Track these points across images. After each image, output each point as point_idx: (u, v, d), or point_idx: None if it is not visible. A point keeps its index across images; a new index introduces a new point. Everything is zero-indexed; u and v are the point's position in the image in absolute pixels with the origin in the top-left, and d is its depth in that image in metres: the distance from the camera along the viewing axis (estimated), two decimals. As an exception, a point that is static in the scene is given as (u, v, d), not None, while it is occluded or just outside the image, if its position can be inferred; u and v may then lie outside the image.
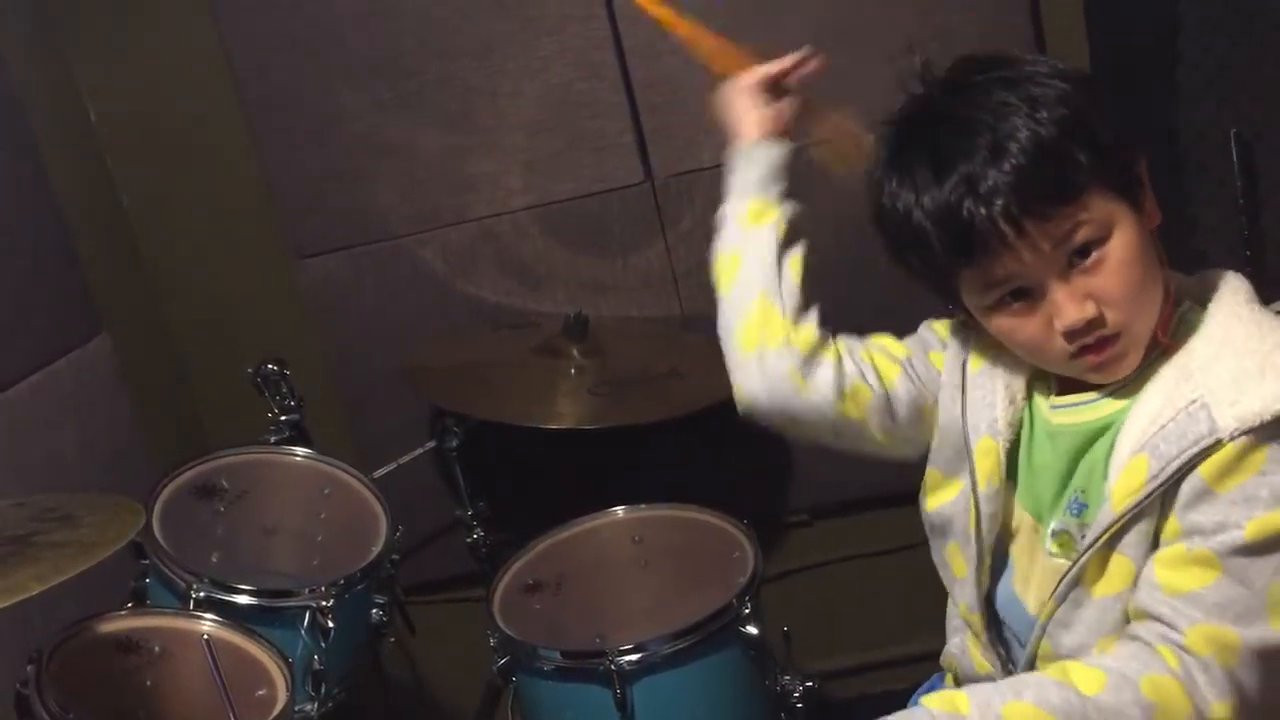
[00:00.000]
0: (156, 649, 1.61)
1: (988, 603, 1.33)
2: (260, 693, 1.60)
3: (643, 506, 2.02)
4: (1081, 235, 1.14)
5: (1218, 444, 1.09)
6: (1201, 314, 1.19)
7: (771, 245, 1.35)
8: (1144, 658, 1.11)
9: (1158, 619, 1.12)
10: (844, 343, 1.37)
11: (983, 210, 1.12)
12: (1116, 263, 1.14)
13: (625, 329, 2.20)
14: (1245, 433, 1.08)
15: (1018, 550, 1.30)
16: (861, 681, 2.38)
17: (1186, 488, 1.11)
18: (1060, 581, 1.21)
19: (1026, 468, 1.29)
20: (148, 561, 1.76)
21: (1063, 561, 1.23)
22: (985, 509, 1.30)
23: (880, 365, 1.36)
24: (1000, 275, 1.16)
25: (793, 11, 2.08)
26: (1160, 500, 1.13)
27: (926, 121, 1.19)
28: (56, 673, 1.47)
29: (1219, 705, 1.09)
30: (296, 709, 1.67)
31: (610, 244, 2.22)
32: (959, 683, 1.41)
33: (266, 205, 2.26)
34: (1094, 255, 1.14)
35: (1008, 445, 1.28)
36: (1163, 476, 1.12)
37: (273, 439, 2.03)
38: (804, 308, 1.35)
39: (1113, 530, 1.15)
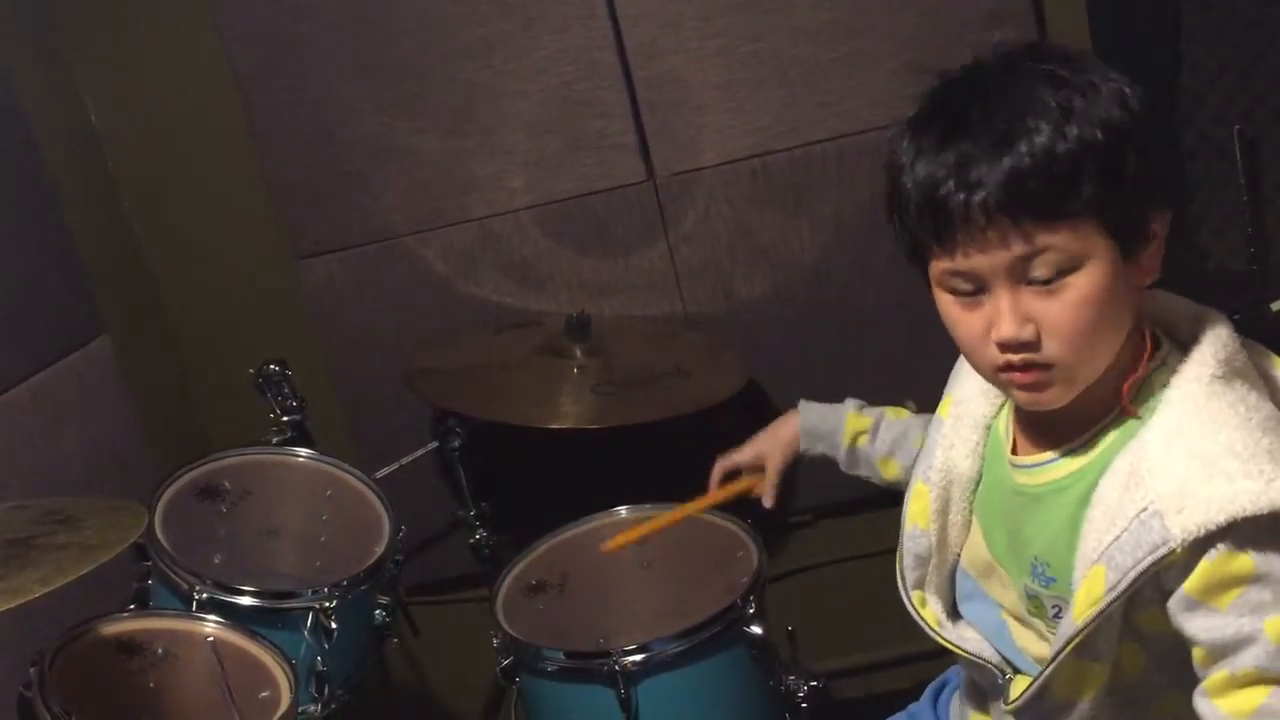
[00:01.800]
0: (160, 651, 1.61)
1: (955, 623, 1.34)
2: (263, 694, 1.59)
3: (646, 506, 2.01)
4: (1048, 260, 1.09)
5: (1172, 553, 1.06)
6: (1167, 383, 1.14)
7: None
8: None
9: None
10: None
11: (962, 195, 1.09)
12: (1075, 298, 1.10)
13: (628, 328, 2.19)
14: (1202, 541, 1.05)
15: (991, 588, 1.30)
16: (867, 681, 2.37)
17: (1178, 607, 1.09)
18: (1027, 689, 1.21)
19: (990, 517, 1.29)
20: (150, 563, 1.76)
21: (1038, 621, 1.23)
22: (909, 547, 1.33)
23: None
24: (958, 264, 1.13)
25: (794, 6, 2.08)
26: (1124, 605, 1.12)
27: (963, 89, 1.15)
28: (59, 675, 1.47)
29: None
30: (300, 710, 1.67)
31: (612, 243, 2.21)
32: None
33: (268, 206, 2.26)
34: (1055, 282, 1.10)
35: (940, 493, 1.30)
36: (1121, 587, 1.09)
37: (275, 440, 2.03)
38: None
39: (1078, 640, 1.14)
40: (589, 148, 2.17)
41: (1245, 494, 1.04)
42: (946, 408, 1.34)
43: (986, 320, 1.13)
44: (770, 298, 2.21)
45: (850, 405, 1.70)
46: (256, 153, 2.23)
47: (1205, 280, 2.13)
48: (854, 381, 2.21)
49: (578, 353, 2.03)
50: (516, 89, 2.15)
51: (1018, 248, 1.09)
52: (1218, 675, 1.08)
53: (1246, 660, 1.06)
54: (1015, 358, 1.13)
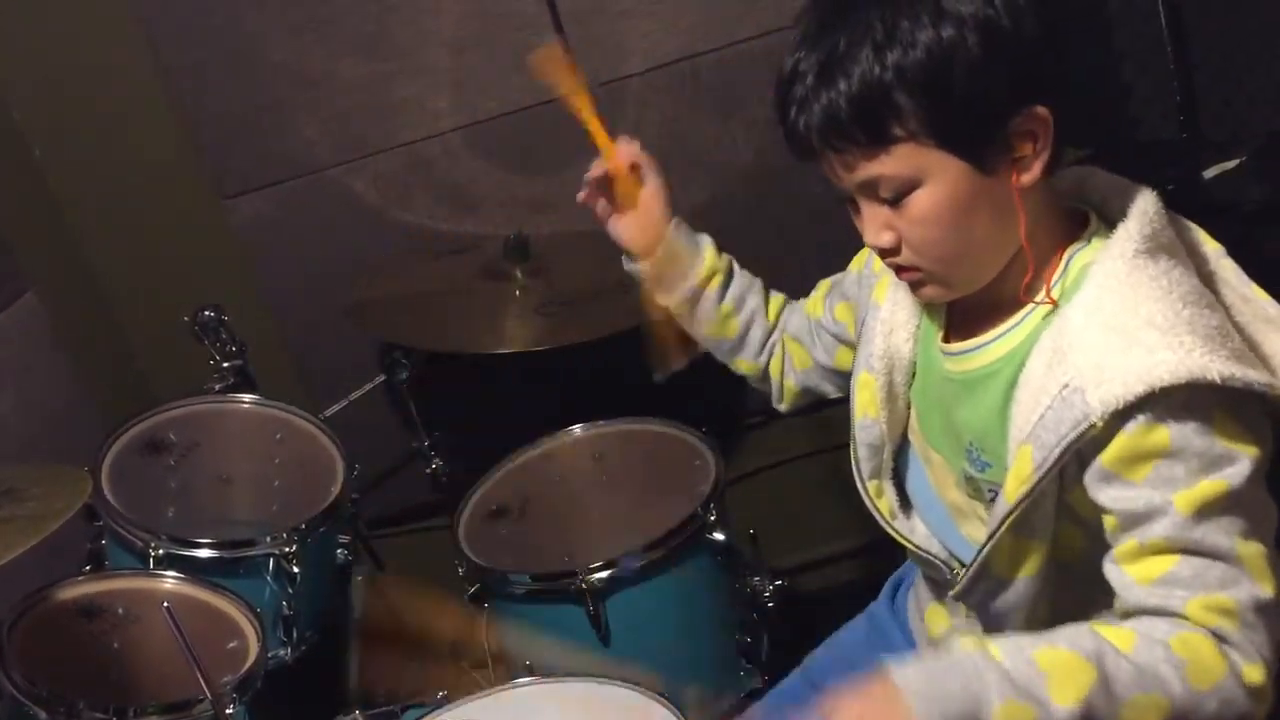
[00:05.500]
0: (120, 611, 1.59)
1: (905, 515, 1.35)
2: (231, 645, 1.59)
3: (600, 423, 2.01)
4: (883, 188, 1.12)
5: (1092, 427, 1.07)
6: (1090, 262, 1.14)
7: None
8: (1168, 623, 1.08)
9: (1153, 612, 1.09)
10: (779, 345, 1.57)
11: (792, 111, 1.13)
12: (919, 215, 1.12)
13: (568, 245, 2.16)
14: (1122, 413, 1.06)
15: (933, 475, 1.31)
16: (826, 574, 2.41)
17: (1093, 478, 1.10)
18: (968, 570, 1.22)
19: (925, 402, 1.30)
20: (101, 523, 1.73)
21: (978, 505, 1.24)
22: (861, 437, 1.34)
23: (796, 355, 1.55)
24: (823, 170, 1.17)
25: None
26: (1056, 483, 1.13)
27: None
28: (20, 645, 1.45)
29: (1250, 669, 1.07)
30: (270, 655, 1.67)
31: (544, 160, 2.17)
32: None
33: (187, 146, 2.19)
34: (899, 202, 1.13)
35: (885, 379, 1.31)
36: (1046, 465, 1.10)
37: (218, 387, 1.99)
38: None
39: (1011, 519, 1.15)
40: (513, 62, 2.11)
41: (1163, 365, 1.05)
42: (884, 291, 1.33)
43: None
44: (710, 202, 2.18)
45: (709, 241, 1.55)
46: (169, 91, 2.15)
47: (1136, 151, 2.13)
48: (802, 277, 2.21)
49: (519, 274, 2.00)
50: (434, 6, 2.09)
51: (847, 176, 1.13)
52: (1128, 544, 1.10)
53: (1156, 530, 1.08)
54: (888, 260, 1.18)
